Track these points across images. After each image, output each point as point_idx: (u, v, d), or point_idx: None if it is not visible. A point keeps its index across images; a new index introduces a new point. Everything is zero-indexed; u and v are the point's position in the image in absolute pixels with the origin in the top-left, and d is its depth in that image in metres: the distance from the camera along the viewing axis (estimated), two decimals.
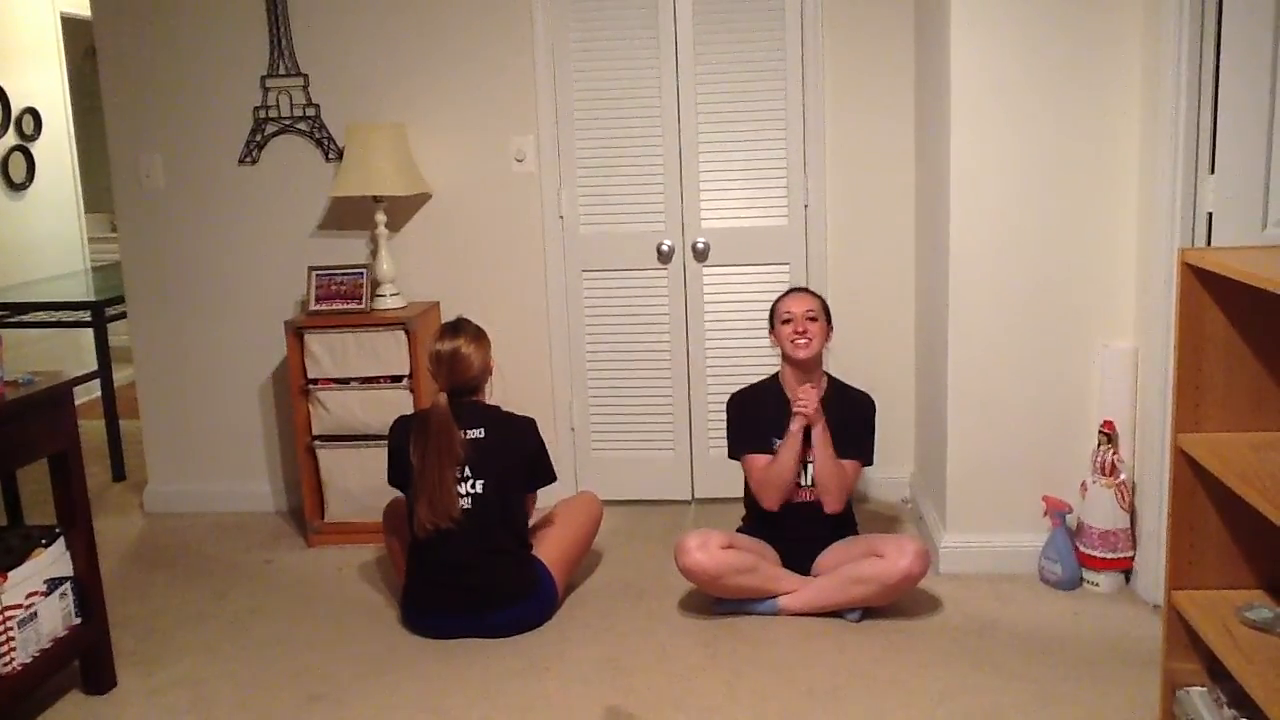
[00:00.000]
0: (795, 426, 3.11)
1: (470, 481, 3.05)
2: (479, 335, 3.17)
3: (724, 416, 3.28)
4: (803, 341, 3.14)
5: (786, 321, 3.17)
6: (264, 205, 4.08)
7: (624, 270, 3.98)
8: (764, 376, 3.31)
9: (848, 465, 3.15)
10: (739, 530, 3.27)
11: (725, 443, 3.28)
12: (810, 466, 3.15)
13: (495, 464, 3.08)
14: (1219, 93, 2.79)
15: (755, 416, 3.22)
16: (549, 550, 3.19)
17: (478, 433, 3.08)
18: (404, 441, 3.11)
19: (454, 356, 3.10)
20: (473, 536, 3.04)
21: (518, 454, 3.14)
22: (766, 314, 3.29)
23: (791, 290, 3.29)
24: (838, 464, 3.12)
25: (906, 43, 3.77)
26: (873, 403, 3.27)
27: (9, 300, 4.91)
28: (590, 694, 2.75)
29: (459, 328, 3.17)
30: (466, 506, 3.04)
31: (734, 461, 3.27)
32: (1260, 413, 2.22)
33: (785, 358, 3.21)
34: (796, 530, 3.18)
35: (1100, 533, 3.18)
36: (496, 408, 3.19)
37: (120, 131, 4.08)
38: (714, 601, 3.15)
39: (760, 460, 3.17)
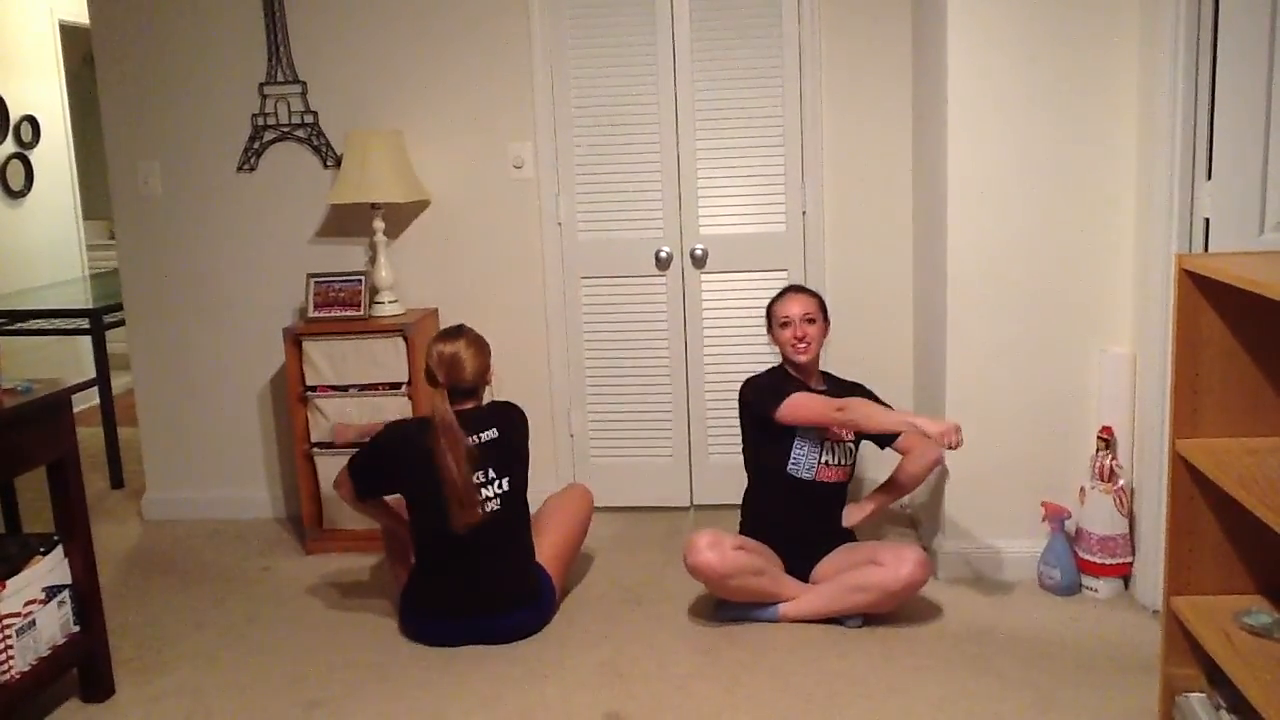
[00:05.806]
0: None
1: (497, 481, 3.06)
2: (479, 341, 3.16)
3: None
4: (802, 346, 3.15)
5: (785, 325, 3.18)
6: (262, 212, 4.08)
7: (622, 277, 3.98)
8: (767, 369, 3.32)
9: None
10: (739, 533, 3.27)
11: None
12: (835, 446, 3.15)
13: (513, 458, 3.11)
14: (1215, 98, 2.79)
15: (780, 386, 3.17)
16: (544, 552, 3.19)
17: (492, 433, 3.09)
18: (398, 446, 3.10)
19: (454, 359, 3.09)
20: (502, 535, 3.05)
21: (524, 444, 3.18)
22: (764, 320, 3.29)
23: (787, 290, 3.28)
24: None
25: (904, 49, 3.78)
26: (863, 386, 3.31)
27: (7, 307, 4.91)
28: (589, 700, 2.75)
29: (460, 332, 3.16)
30: (496, 507, 3.04)
31: (774, 423, 3.13)
32: (1258, 417, 2.22)
33: (785, 358, 3.22)
34: (808, 511, 3.18)
35: (1099, 538, 3.18)
36: (493, 404, 3.20)
37: (118, 138, 4.09)
38: (715, 607, 3.15)
39: (806, 397, 3.10)
